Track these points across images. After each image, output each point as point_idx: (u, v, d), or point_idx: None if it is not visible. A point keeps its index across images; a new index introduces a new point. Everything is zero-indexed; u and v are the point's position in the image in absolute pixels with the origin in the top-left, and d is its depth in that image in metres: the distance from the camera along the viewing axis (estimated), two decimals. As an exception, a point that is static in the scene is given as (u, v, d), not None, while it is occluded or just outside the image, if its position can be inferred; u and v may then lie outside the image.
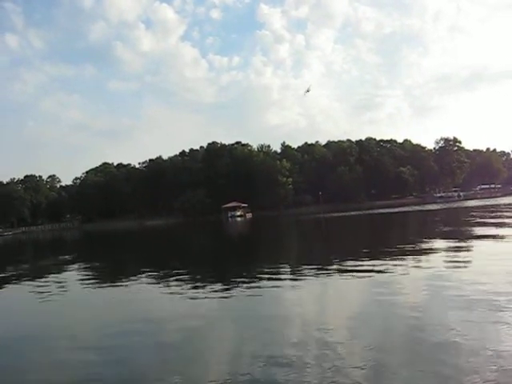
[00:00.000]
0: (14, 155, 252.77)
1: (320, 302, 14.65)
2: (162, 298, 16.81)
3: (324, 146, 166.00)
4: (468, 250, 23.19)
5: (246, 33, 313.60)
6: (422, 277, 16.37)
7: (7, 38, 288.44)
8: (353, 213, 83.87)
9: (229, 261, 28.72)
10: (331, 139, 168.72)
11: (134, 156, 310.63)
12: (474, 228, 34.89)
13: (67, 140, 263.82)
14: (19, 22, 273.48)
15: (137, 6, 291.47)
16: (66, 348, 11.24)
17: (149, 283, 20.17)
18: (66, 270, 28.64)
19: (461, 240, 26.95)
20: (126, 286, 20.04)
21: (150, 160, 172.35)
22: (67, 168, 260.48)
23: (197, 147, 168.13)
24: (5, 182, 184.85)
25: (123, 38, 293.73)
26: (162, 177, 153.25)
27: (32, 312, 16.34)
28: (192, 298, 15.88)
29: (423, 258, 21.10)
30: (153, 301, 16.28)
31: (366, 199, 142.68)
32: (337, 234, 45.64)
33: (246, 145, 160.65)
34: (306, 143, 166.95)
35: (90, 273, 26.64)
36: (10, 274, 28.29)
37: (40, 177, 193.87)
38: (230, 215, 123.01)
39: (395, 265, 19.06)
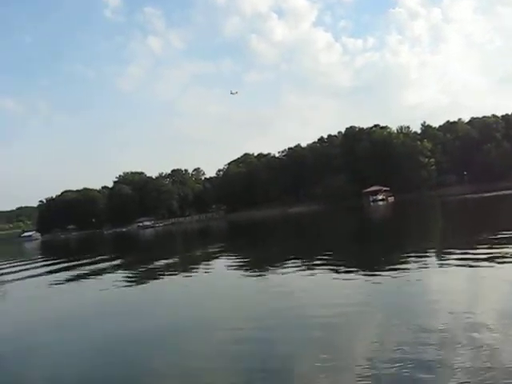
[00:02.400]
0: (161, 151, 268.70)
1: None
2: (317, 285, 16.73)
3: (467, 123, 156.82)
4: None
5: (379, 12, 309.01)
6: None
7: (150, 41, 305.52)
8: (503, 192, 77.73)
9: (378, 246, 28.29)
10: (475, 115, 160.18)
11: (274, 145, 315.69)
12: None
13: (209, 133, 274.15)
14: (160, 25, 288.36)
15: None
16: (228, 339, 11.14)
17: (299, 270, 19.99)
18: (214, 259, 29.86)
19: None
20: (274, 273, 20.44)
21: (289, 148, 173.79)
22: (210, 160, 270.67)
23: (335, 132, 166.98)
24: (154, 177, 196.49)
25: (257, 29, 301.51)
26: (302, 164, 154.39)
27: (186, 302, 17.03)
28: (348, 284, 15.92)
29: None
30: (308, 288, 16.15)
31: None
32: (486, 216, 42.85)
33: (385, 127, 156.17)
34: (447, 121, 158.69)
35: (237, 261, 27.50)
36: (163, 264, 29.92)
37: (186, 170, 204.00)
38: (371, 199, 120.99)
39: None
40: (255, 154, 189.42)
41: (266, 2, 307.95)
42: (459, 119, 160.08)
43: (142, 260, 35.05)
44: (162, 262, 30.71)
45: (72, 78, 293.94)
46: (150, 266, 29.07)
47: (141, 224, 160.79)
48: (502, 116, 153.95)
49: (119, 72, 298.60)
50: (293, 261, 23.05)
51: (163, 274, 24.71)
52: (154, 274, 25.04)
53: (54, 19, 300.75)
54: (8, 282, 29.79)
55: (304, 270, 20.01)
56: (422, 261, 18.67)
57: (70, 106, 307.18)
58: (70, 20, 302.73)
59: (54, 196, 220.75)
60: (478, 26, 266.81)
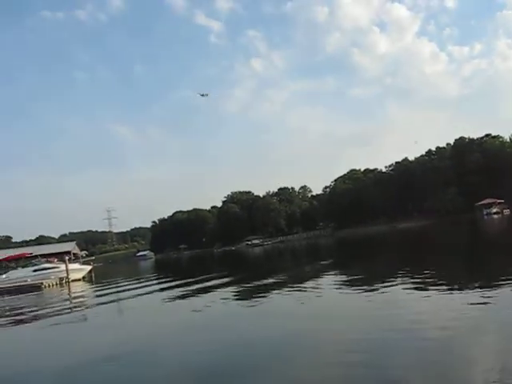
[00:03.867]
0: (267, 169, 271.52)
1: None
2: (423, 300, 16.43)
3: None
4: None
5: (486, 17, 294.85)
6: None
7: (253, 63, 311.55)
8: None
9: (498, 261, 26.83)
10: None
11: (380, 160, 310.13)
12: None
13: (315, 151, 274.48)
14: (262, 47, 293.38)
15: (369, 11, 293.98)
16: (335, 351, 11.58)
17: (410, 288, 19.38)
18: (323, 276, 29.64)
19: None
20: (383, 290, 20.06)
21: (397, 162, 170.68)
22: (317, 178, 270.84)
23: (443, 144, 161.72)
24: (261, 196, 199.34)
25: (359, 44, 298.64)
26: (410, 178, 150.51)
27: (295, 317, 16.99)
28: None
29: None
30: (413, 303, 15.97)
31: None
32: None
33: (497, 136, 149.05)
34: None
35: (344, 277, 27.20)
36: (272, 281, 30.06)
37: (292, 188, 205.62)
38: (485, 213, 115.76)
39: None
40: (362, 170, 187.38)
41: (367, 15, 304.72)
42: None
43: (251, 277, 35.40)
44: (271, 280, 30.86)
45: (181, 104, 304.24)
46: (259, 283, 29.33)
47: (249, 242, 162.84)
48: None
49: (226, 95, 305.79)
50: (404, 277, 22.44)
51: (272, 290, 24.80)
52: (263, 290, 25.21)
53: (162, 47, 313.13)
54: (125, 298, 31.07)
55: (416, 287, 19.35)
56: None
57: (179, 130, 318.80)
58: (177, 47, 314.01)
59: (165, 217, 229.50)
60: None
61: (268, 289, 25.48)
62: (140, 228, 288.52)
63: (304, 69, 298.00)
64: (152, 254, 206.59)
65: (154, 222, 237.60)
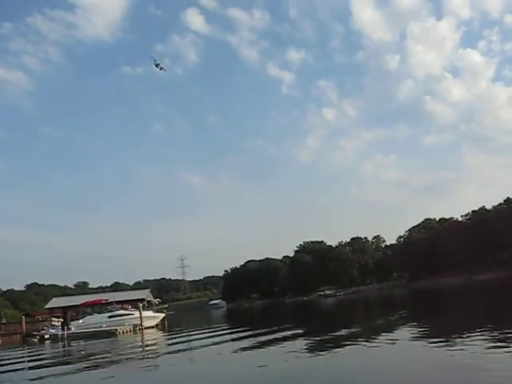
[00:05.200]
0: (340, 219, 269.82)
1: None
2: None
3: None
4: None
5: None
6: None
7: (325, 112, 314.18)
8: None
9: None
10: None
11: (456, 209, 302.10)
12: None
13: (388, 200, 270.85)
14: (334, 96, 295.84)
15: (441, 57, 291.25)
16: None
17: (492, 344, 18.50)
18: (398, 329, 28.78)
19: None
20: (457, 344, 19.24)
21: (473, 211, 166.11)
22: (391, 227, 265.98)
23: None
24: (334, 246, 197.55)
25: (432, 91, 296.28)
26: (488, 227, 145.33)
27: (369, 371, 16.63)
28: None
29: None
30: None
31: None
32: None
33: None
34: None
35: (423, 331, 26.26)
36: (345, 333, 29.42)
37: (365, 238, 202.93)
38: None
39: None
40: (437, 219, 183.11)
41: (440, 62, 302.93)
42: None
43: (324, 328, 34.78)
44: (344, 331, 30.19)
45: (254, 153, 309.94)
46: (332, 334, 28.73)
47: (322, 293, 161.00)
48: None
49: (297, 144, 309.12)
50: (484, 333, 21.36)
51: (345, 343, 24.20)
52: (336, 343, 24.67)
53: (235, 98, 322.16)
54: (196, 348, 31.12)
55: (498, 343, 18.33)
56: None
57: (253, 179, 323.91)
58: (250, 98, 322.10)
59: (238, 266, 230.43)
60: None
61: (340, 342, 24.93)
62: (212, 276, 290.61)
63: (376, 117, 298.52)
64: (224, 302, 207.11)
65: (226, 270, 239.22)
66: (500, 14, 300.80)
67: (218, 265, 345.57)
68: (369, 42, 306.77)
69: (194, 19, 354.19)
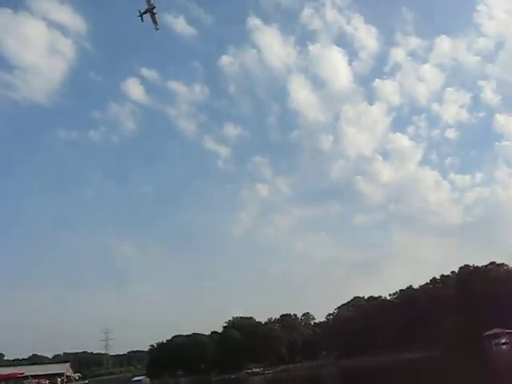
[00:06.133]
0: (269, 296, 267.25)
1: None
2: None
3: None
4: None
5: (486, 147, 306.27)
6: None
7: (258, 188, 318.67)
8: None
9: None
10: None
11: (385, 287, 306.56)
12: None
13: (317, 277, 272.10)
14: (268, 172, 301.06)
15: (373, 140, 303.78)
16: None
17: None
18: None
19: None
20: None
21: (401, 290, 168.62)
22: (320, 305, 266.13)
23: (448, 272, 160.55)
24: (263, 322, 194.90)
25: (363, 171, 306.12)
26: (415, 307, 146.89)
27: None
28: None
29: None
30: None
31: None
32: None
33: (502, 264, 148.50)
34: None
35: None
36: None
37: (295, 315, 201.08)
38: (493, 343, 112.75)
39: None
40: (366, 297, 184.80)
41: (371, 144, 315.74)
42: None
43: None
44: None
45: (186, 225, 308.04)
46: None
47: (250, 370, 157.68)
48: None
49: (231, 218, 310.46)
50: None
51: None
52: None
53: (171, 169, 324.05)
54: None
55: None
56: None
57: (181, 250, 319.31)
58: (186, 170, 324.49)
59: (164, 340, 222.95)
60: None
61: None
62: (137, 351, 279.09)
63: (308, 195, 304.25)
64: (148, 379, 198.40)
65: (151, 345, 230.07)
66: (428, 101, 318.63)
67: (144, 339, 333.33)
68: (304, 121, 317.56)
69: (134, 89, 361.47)
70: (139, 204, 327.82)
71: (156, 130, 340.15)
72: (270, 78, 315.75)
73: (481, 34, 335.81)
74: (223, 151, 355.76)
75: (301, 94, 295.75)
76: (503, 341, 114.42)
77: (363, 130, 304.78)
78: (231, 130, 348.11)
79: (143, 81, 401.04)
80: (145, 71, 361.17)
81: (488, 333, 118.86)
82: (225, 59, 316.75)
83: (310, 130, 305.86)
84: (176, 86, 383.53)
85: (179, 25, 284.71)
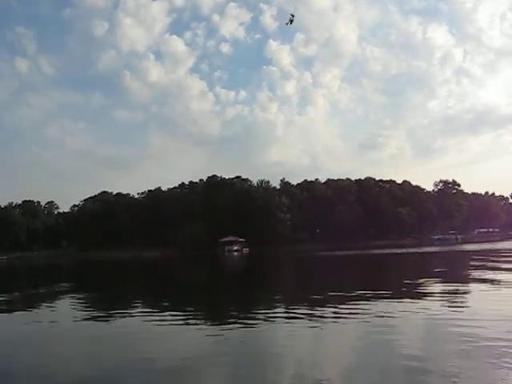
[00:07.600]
0: (14, 179, 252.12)
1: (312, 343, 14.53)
2: (151, 334, 16.26)
3: (323, 183, 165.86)
4: (465, 293, 23.15)
5: (254, 68, 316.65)
6: (419, 319, 16.30)
7: (17, 62, 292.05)
8: (349, 252, 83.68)
9: (228, 296, 28.28)
10: (331, 177, 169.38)
11: (135, 186, 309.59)
12: (472, 271, 34.80)
13: (68, 166, 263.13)
14: (31, 47, 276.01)
15: (148, 37, 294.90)
16: None
17: (141, 319, 19.44)
18: (58, 300, 28.23)
19: (458, 283, 26.88)
20: (118, 320, 19.66)
21: (150, 191, 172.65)
22: (66, 194, 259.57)
23: (197, 180, 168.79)
24: (2, 206, 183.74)
25: (132, 67, 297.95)
26: (161, 208, 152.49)
27: (13, 347, 15.49)
28: (185, 335, 15.76)
29: (421, 300, 20.90)
30: (143, 338, 15.79)
31: (364, 239, 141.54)
32: (332, 274, 45.27)
33: (246, 180, 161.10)
34: (305, 180, 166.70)
35: (81, 305, 26.09)
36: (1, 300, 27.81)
37: (38, 202, 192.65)
38: (226, 249, 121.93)
39: (391, 307, 18.93)
40: (114, 193, 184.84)
41: (145, 41, 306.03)
42: (316, 179, 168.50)
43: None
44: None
45: None
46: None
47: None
48: (356, 180, 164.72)
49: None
50: (138, 305, 22.27)
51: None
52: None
53: None
54: None
55: (146, 316, 19.44)
56: (268, 313, 19.24)
57: None
58: None
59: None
60: (344, 94, 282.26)
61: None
62: None
63: (72, 80, 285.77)
64: None
65: None
66: (210, 11, 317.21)
67: None
68: (80, 1, 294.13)
69: None
70: None
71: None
72: None
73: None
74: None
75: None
76: (235, 248, 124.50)
77: (141, 25, 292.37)
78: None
79: None
80: None
81: (223, 240, 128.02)
82: None
83: (85, 11, 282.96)
84: None
85: None
